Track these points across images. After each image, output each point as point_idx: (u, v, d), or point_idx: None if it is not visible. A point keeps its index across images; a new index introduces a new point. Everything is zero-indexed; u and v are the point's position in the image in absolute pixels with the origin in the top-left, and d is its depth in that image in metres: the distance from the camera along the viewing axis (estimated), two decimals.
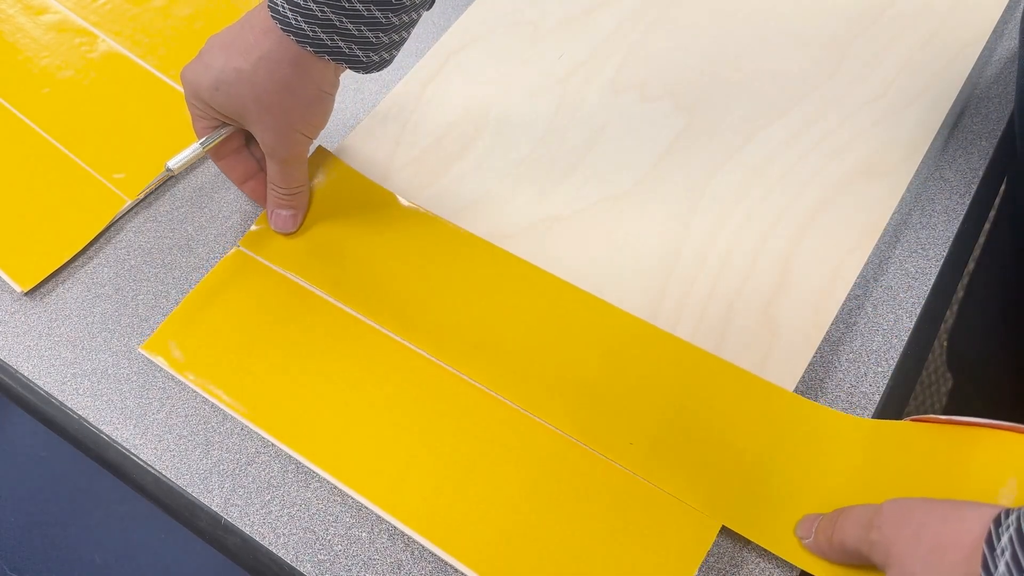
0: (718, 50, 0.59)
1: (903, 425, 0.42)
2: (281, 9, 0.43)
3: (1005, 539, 0.30)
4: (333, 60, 0.44)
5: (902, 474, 0.41)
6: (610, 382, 0.46)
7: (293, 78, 0.44)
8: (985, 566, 0.30)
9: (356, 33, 0.43)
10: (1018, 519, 0.31)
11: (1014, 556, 0.30)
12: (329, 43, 0.43)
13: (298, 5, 0.42)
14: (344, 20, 0.43)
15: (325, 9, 0.42)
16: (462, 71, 0.59)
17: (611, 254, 0.50)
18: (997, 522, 0.31)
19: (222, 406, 0.46)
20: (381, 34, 0.44)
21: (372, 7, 0.43)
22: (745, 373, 0.45)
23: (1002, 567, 0.30)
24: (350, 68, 0.46)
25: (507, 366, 0.46)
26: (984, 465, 0.38)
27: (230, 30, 0.46)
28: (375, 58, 0.46)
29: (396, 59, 0.61)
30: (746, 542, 0.42)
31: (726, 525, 0.42)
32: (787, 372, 0.46)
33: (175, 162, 0.49)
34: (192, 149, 0.49)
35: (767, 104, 0.56)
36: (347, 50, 0.44)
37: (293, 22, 0.42)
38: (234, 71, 0.44)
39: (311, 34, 0.43)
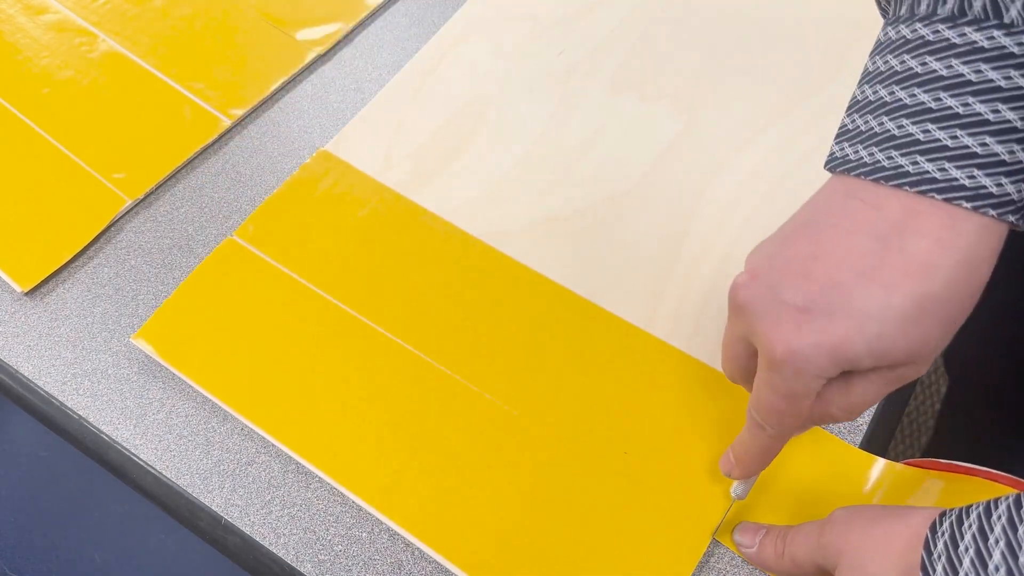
0: (718, 52, 0.59)
1: (897, 467, 0.43)
2: (990, 180, 0.29)
3: (940, 545, 0.31)
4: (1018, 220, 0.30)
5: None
6: (604, 390, 0.46)
7: (987, 271, 0.31)
8: (924, 569, 0.31)
9: None
10: (951, 525, 0.31)
11: (949, 560, 0.30)
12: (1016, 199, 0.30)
13: (994, 164, 0.28)
14: None
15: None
16: (461, 64, 0.59)
17: (608, 256, 0.50)
18: (933, 529, 0.32)
19: (211, 396, 0.46)
20: None
21: None
22: (740, 389, 0.45)
23: (939, 570, 0.30)
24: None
25: (500, 369, 0.46)
26: None
27: (829, 255, 0.31)
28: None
29: (393, 50, 0.62)
30: None
31: (716, 538, 0.42)
32: None
33: (744, 491, 0.41)
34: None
35: (767, 107, 0.56)
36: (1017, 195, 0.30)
37: (996, 190, 0.29)
38: (914, 301, 0.30)
39: (1010, 194, 0.29)
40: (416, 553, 0.42)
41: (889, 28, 0.31)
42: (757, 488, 0.43)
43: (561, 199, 0.53)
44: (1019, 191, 0.29)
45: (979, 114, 0.28)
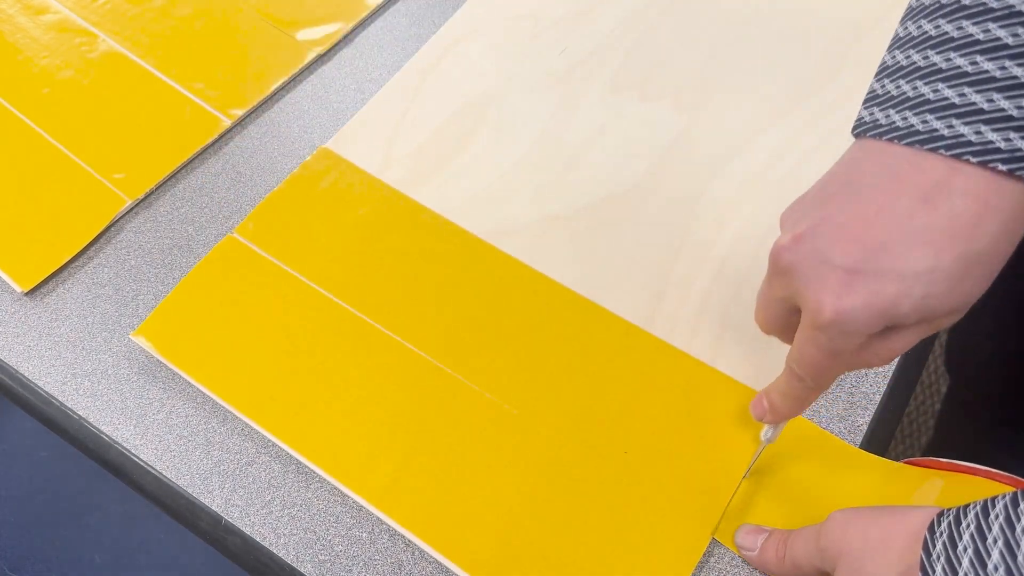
0: (719, 51, 0.59)
1: (897, 466, 0.43)
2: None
3: (939, 545, 0.31)
4: None
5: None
6: (605, 390, 0.46)
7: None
8: (923, 569, 0.31)
9: None
10: (949, 526, 0.31)
11: (948, 560, 0.30)
12: None
13: None
14: None
15: None
16: (461, 63, 0.59)
17: (609, 255, 0.50)
18: (931, 529, 0.32)
19: (210, 393, 0.46)
20: None
21: None
22: (740, 385, 0.45)
23: (939, 570, 0.31)
24: None
25: (500, 368, 0.46)
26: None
27: (878, 218, 0.30)
28: None
29: (393, 50, 0.62)
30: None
31: (715, 537, 0.42)
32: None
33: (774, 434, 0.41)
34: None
35: (768, 106, 0.56)
36: None
37: None
38: (962, 260, 0.30)
39: None
40: (416, 553, 0.42)
41: None
42: (757, 489, 0.43)
43: (561, 198, 0.53)
44: None
45: (1016, 77, 0.28)
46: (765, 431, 0.42)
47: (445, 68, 0.59)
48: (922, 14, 0.31)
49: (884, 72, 0.32)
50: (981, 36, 0.29)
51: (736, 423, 0.44)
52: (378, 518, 0.43)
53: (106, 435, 0.46)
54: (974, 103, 0.29)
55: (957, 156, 0.29)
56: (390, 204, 0.53)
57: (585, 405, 0.45)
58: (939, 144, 0.29)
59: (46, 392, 0.48)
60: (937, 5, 0.31)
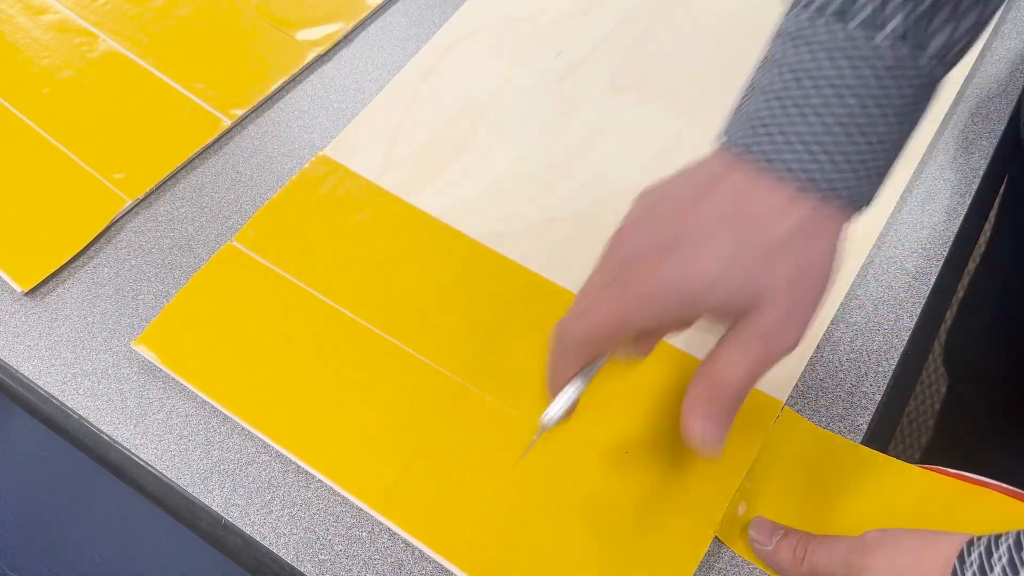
0: (716, 51, 0.59)
1: (909, 468, 0.43)
2: (821, 175, 0.34)
3: (969, 574, 0.31)
4: (858, 208, 0.35)
5: (897, 514, 0.41)
6: (604, 391, 0.46)
7: (833, 246, 0.35)
8: None
9: (880, 164, 0.35)
10: (980, 556, 0.31)
11: None
12: (864, 192, 0.35)
13: (840, 158, 0.34)
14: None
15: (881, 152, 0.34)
16: (459, 66, 0.59)
17: None
18: (961, 558, 0.32)
19: (213, 402, 0.46)
20: (891, 155, 0.36)
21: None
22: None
23: None
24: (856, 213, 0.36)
25: (500, 371, 0.46)
26: (986, 527, 0.39)
27: (698, 208, 0.35)
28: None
29: (393, 50, 0.61)
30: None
31: (718, 536, 0.42)
32: (782, 376, 0.46)
33: (553, 416, 0.38)
34: (575, 389, 0.38)
35: None
36: (866, 189, 0.35)
37: (839, 181, 0.34)
38: (758, 247, 0.34)
39: (851, 183, 0.34)
40: (417, 553, 0.42)
41: (794, 12, 0.36)
42: (766, 486, 0.42)
43: (560, 200, 0.53)
44: (844, 176, 0.34)
45: (836, 113, 0.33)
46: (547, 412, 0.39)
47: (443, 71, 0.59)
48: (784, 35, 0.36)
49: (762, 92, 0.36)
50: (836, 78, 0.34)
51: (736, 422, 0.44)
52: (379, 518, 0.43)
53: (106, 435, 0.46)
54: (788, 126, 0.34)
55: (771, 166, 0.34)
56: (389, 209, 0.53)
57: (585, 406, 0.45)
58: (758, 157, 0.34)
59: (46, 392, 0.48)
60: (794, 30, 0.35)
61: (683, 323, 0.37)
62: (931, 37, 0.33)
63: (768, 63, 0.36)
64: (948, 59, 0.34)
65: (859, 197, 0.35)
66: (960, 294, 0.85)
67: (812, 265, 0.35)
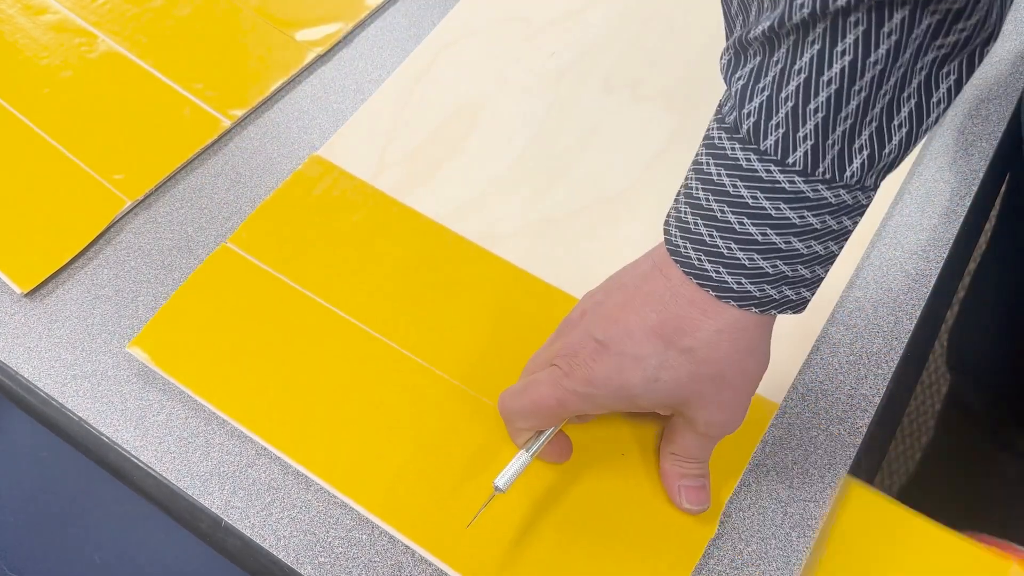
0: (710, 51, 0.59)
1: (969, 545, 0.42)
2: (739, 287, 0.35)
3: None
4: (786, 311, 0.36)
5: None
6: None
7: (758, 341, 0.37)
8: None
9: (806, 276, 0.35)
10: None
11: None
12: (791, 298, 0.36)
13: (759, 276, 0.35)
14: (799, 267, 0.35)
15: (784, 267, 0.35)
16: (453, 66, 0.59)
17: (603, 257, 0.50)
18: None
19: (209, 405, 0.46)
20: (818, 267, 0.36)
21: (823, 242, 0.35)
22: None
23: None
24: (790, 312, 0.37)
25: (496, 372, 0.46)
26: None
27: (631, 309, 0.37)
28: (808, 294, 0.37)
29: (393, 50, 0.61)
30: (745, 545, 0.42)
31: (715, 538, 0.42)
32: (778, 377, 0.46)
33: (505, 481, 0.40)
34: (522, 461, 0.40)
35: None
36: (795, 296, 0.36)
37: (759, 294, 0.35)
38: (682, 353, 0.36)
39: (775, 296, 0.35)
40: (416, 556, 0.42)
41: (715, 124, 0.35)
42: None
43: (555, 201, 0.53)
44: (765, 292, 0.35)
45: (773, 243, 0.34)
46: (499, 478, 0.40)
47: (437, 72, 0.59)
48: (712, 152, 0.35)
49: (686, 195, 0.36)
50: (751, 203, 0.33)
51: None
52: (375, 520, 0.43)
53: (106, 437, 0.46)
54: (740, 260, 0.34)
55: (703, 286, 0.35)
56: (383, 210, 0.52)
57: None
58: (692, 273, 0.35)
59: (46, 393, 0.48)
60: (723, 154, 0.34)
61: (620, 411, 0.41)
62: (845, 166, 0.32)
63: (696, 168, 0.36)
64: (869, 184, 0.33)
65: (786, 306, 0.36)
66: (961, 294, 0.85)
67: (736, 366, 0.37)
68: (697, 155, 0.36)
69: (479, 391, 0.46)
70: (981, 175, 0.53)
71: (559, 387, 0.38)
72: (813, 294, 0.36)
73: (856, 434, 0.45)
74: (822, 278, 0.36)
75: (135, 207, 0.54)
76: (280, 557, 0.43)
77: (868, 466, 0.46)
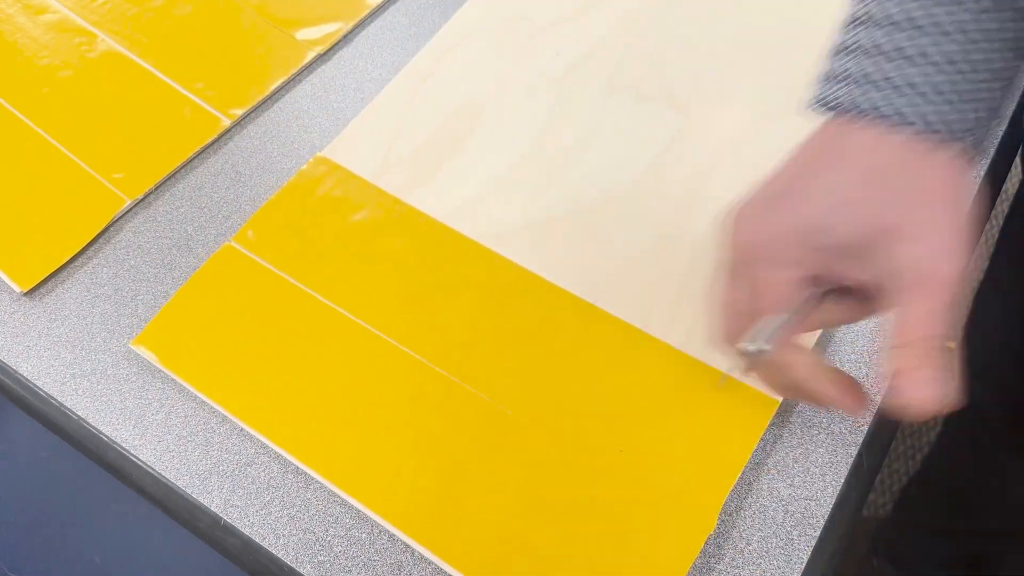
0: (715, 50, 0.59)
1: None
2: (943, 119, 0.33)
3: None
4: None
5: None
6: (601, 390, 0.45)
7: (963, 168, 0.34)
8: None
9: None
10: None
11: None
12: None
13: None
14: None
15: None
16: (457, 66, 0.59)
17: (606, 256, 0.50)
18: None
19: (211, 402, 0.46)
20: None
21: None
22: (736, 383, 0.45)
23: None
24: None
25: (497, 371, 0.46)
26: None
27: (809, 166, 0.36)
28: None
29: (393, 50, 0.61)
30: (746, 544, 0.42)
31: (712, 535, 0.42)
32: None
33: (758, 343, 0.37)
34: (777, 321, 0.36)
35: (764, 105, 0.56)
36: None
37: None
38: (866, 176, 0.33)
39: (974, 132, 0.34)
40: (416, 554, 0.42)
41: None
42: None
43: (558, 200, 0.53)
44: (963, 116, 0.33)
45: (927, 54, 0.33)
46: (748, 343, 0.37)
47: (441, 72, 0.59)
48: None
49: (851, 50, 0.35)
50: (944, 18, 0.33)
51: (731, 421, 0.44)
52: (375, 518, 0.43)
53: (105, 435, 0.46)
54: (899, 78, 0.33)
55: (862, 115, 0.34)
56: (387, 210, 0.52)
57: (581, 406, 0.45)
58: (847, 110, 0.35)
59: (45, 392, 0.48)
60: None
61: (826, 262, 0.35)
62: None
63: (854, 23, 0.35)
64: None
65: (979, 140, 0.34)
66: (969, 296, 0.85)
67: (937, 184, 0.33)
68: (854, 11, 0.36)
69: (480, 389, 0.46)
70: (981, 175, 0.53)
71: (766, 223, 0.37)
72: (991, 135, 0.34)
73: (858, 432, 0.45)
74: (998, 114, 0.34)
75: (135, 206, 0.54)
76: (279, 556, 0.43)
77: (870, 464, 0.45)
